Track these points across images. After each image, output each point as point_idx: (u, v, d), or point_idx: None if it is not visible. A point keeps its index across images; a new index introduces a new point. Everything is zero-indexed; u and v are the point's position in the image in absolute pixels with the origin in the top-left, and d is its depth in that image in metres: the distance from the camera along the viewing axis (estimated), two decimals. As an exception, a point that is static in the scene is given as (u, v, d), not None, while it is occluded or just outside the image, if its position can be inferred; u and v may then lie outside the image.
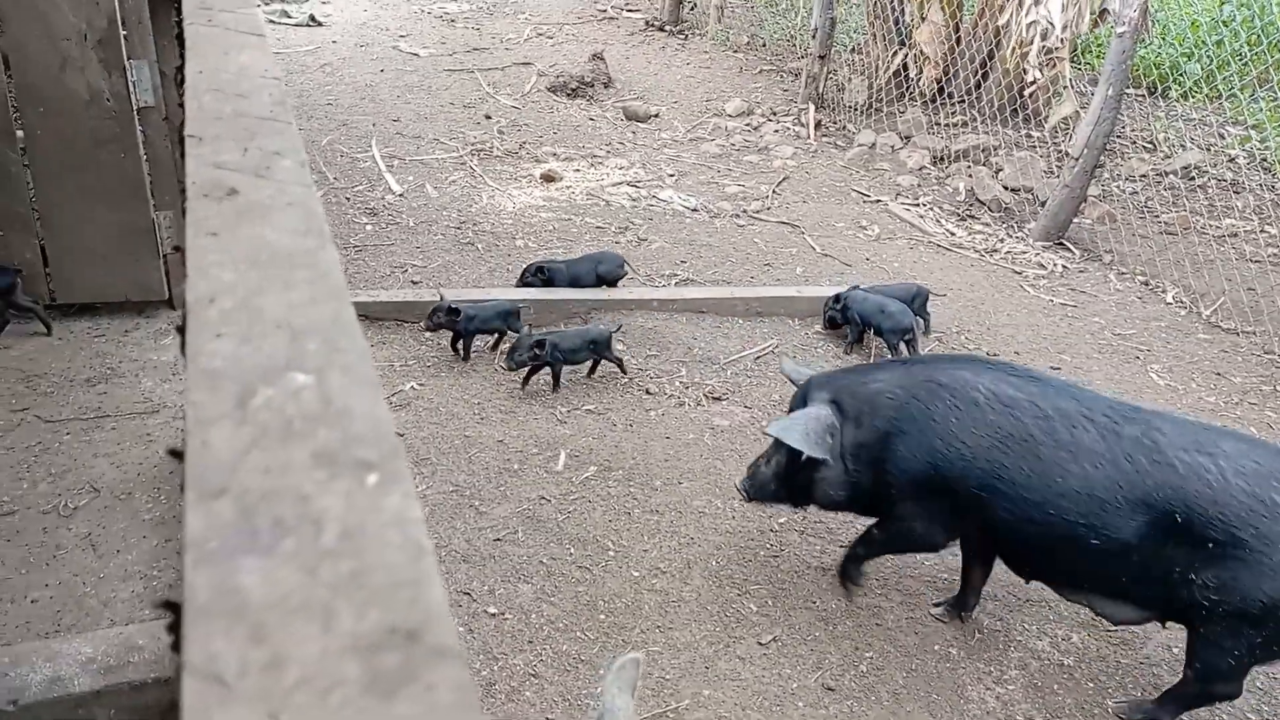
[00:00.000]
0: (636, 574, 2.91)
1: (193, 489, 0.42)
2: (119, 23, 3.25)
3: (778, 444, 2.79)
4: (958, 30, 7.10)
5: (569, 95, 7.30)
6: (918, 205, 5.89)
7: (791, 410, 2.85)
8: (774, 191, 5.95)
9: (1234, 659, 2.33)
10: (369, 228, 4.99)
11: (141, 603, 2.46)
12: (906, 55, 7.28)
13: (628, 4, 9.63)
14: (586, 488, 3.26)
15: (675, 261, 4.91)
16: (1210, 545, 2.22)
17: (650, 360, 3.99)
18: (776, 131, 6.94)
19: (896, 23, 7.33)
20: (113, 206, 3.44)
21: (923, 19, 7.15)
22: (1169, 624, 2.56)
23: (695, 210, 5.60)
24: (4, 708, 2.10)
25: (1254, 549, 2.18)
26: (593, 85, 7.44)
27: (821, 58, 7.11)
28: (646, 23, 8.99)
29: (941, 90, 7.12)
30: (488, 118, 6.75)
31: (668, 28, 8.87)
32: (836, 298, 4.20)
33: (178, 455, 0.53)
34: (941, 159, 6.45)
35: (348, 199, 5.29)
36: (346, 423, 0.46)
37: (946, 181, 6.23)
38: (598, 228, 5.25)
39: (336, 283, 0.58)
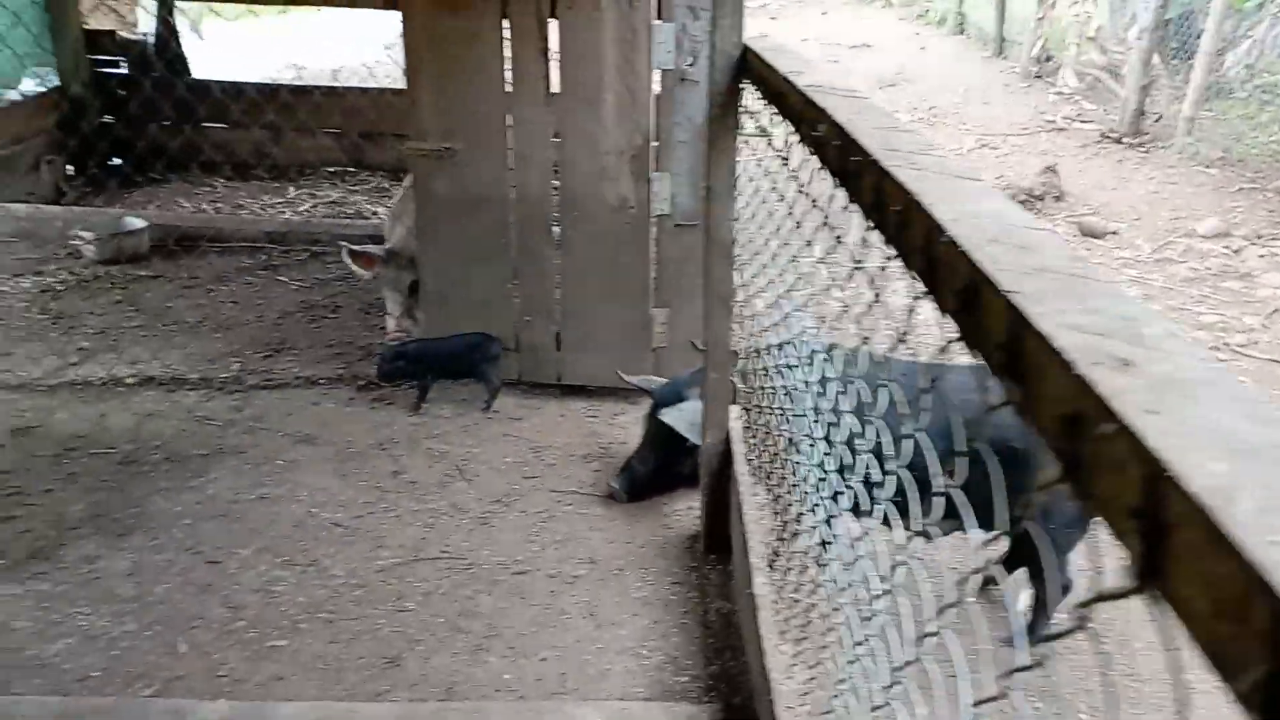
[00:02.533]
0: None
1: None
2: (651, 140, 3.62)
3: (652, 444, 3.32)
4: None
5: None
6: None
7: (657, 412, 3.26)
8: (1263, 324, 5.24)
9: None
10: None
11: (634, 678, 2.58)
12: None
13: (1079, 114, 9.16)
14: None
15: (1150, 396, 4.45)
16: None
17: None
18: (1262, 257, 6.15)
19: None
20: (620, 302, 3.80)
21: None
22: None
23: (1169, 340, 5.07)
24: (528, 760, 2.29)
25: None
26: (1043, 199, 7.10)
27: (1327, 177, 6.23)
28: (1101, 134, 8.47)
29: None
30: (931, 229, 6.67)
31: (1125, 140, 8.29)
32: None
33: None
34: None
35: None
36: None
37: None
38: (1056, 351, 4.92)
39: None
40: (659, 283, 3.83)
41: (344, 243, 4.21)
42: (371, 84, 7.13)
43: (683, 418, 3.17)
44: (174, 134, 6.10)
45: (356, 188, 6.84)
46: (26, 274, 5.15)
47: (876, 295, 1.34)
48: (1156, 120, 8.53)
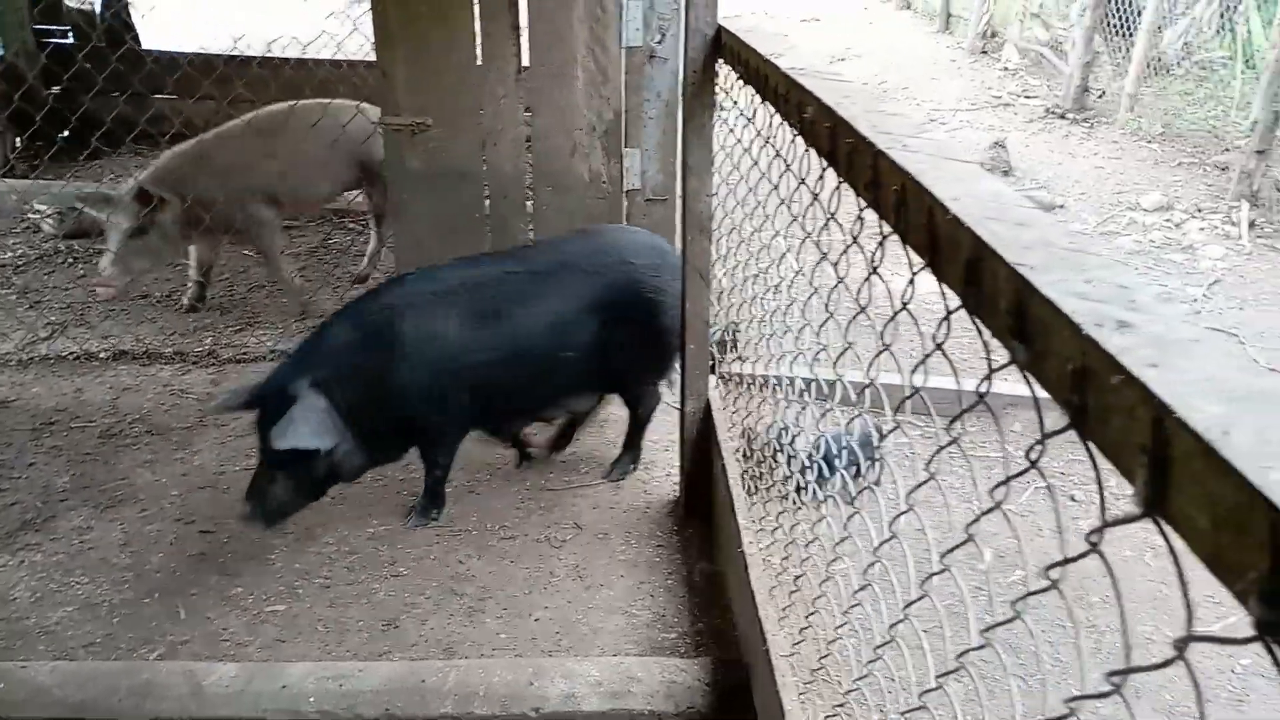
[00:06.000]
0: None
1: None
2: (623, 116, 3.71)
3: (275, 464, 2.73)
4: None
5: (967, 182, 7.22)
6: (1386, 321, 5.18)
7: (267, 420, 2.70)
8: (1204, 295, 5.51)
9: None
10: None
11: (624, 636, 2.70)
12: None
13: (1025, 90, 9.40)
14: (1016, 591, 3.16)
15: (1097, 362, 4.67)
16: None
17: (1074, 465, 3.81)
18: (1202, 230, 6.42)
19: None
20: (595, 274, 3.88)
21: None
22: None
23: (1113, 309, 5.30)
24: (528, 713, 2.40)
25: None
26: (991, 173, 7.31)
27: (1260, 152, 6.52)
28: (1046, 110, 8.71)
29: None
30: (885, 202, 6.84)
31: (1070, 115, 8.54)
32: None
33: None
34: None
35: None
36: None
37: None
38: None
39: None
40: (632, 256, 3.91)
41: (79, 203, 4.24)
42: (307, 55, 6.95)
43: (297, 430, 2.65)
44: (110, 106, 5.85)
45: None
46: (-16, 249, 5.08)
47: (874, 269, 1.46)
48: (1099, 96, 8.79)
